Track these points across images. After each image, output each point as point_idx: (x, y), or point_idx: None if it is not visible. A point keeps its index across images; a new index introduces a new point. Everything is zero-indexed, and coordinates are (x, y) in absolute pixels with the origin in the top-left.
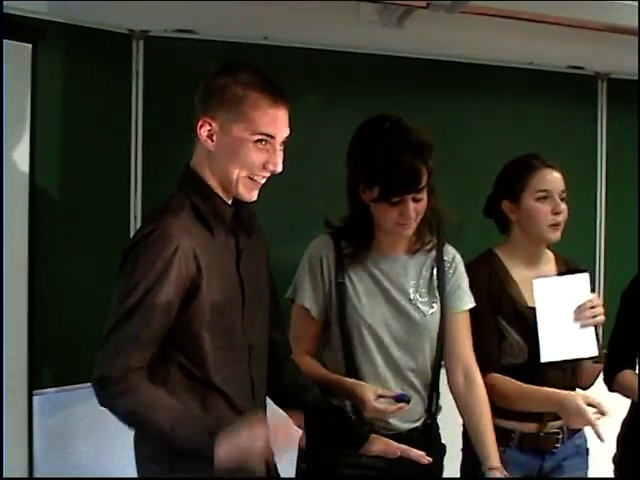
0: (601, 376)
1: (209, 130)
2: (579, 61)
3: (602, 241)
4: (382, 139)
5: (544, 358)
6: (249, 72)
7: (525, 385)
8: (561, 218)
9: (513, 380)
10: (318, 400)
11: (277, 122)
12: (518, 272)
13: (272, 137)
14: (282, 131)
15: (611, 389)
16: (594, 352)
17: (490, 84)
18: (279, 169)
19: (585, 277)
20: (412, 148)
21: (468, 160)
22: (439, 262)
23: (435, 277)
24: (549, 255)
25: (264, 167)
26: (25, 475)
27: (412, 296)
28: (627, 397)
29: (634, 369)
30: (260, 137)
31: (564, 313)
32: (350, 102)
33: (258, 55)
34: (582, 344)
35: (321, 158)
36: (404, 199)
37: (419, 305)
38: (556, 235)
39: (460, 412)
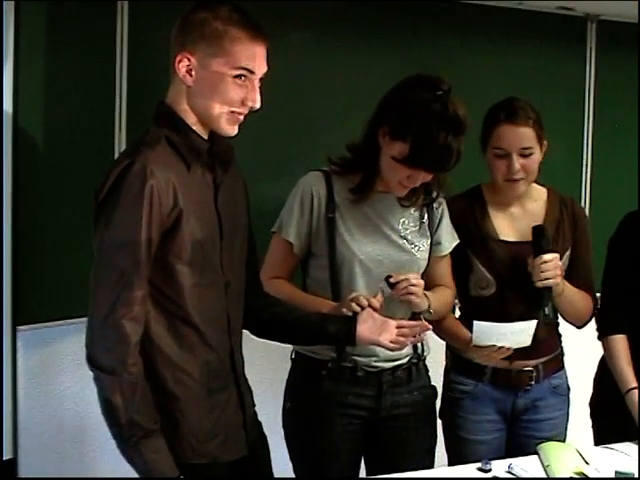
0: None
1: (188, 65)
2: (569, 2)
3: (588, 184)
4: (432, 109)
5: None
6: (228, 8)
7: None
8: (518, 176)
9: None
10: (297, 312)
11: (256, 57)
12: (497, 208)
13: (251, 72)
14: (261, 67)
15: (600, 339)
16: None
17: (477, 24)
18: (257, 105)
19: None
20: (457, 133)
21: None
22: (428, 203)
23: (426, 216)
24: (540, 192)
25: (243, 103)
26: (9, 408)
27: (402, 233)
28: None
29: (625, 322)
30: (239, 72)
31: None
32: (336, 41)
33: None
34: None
35: (307, 96)
36: None
37: (410, 241)
38: (514, 190)
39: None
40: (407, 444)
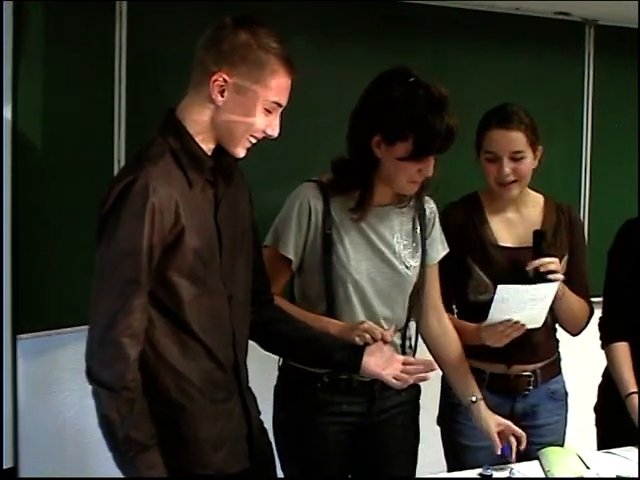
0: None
1: (221, 85)
2: (566, 7)
3: (587, 190)
4: (419, 97)
5: None
6: (269, 34)
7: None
8: (509, 179)
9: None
10: (305, 332)
11: (287, 92)
12: (495, 213)
13: (280, 106)
14: (286, 100)
15: (603, 347)
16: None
17: (475, 29)
18: (276, 134)
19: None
20: (447, 109)
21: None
22: (421, 213)
23: (418, 229)
24: (536, 199)
25: (264, 130)
26: (10, 416)
27: (396, 248)
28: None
29: (627, 329)
30: (272, 105)
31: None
32: (337, 46)
33: None
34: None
35: (310, 104)
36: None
37: (403, 258)
38: (507, 194)
39: (434, 355)
40: (394, 442)
